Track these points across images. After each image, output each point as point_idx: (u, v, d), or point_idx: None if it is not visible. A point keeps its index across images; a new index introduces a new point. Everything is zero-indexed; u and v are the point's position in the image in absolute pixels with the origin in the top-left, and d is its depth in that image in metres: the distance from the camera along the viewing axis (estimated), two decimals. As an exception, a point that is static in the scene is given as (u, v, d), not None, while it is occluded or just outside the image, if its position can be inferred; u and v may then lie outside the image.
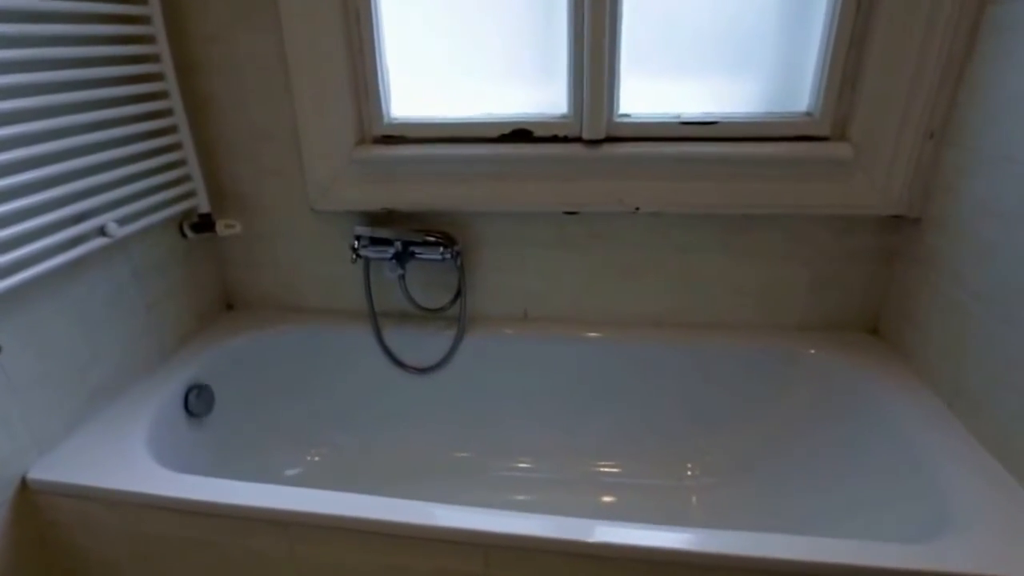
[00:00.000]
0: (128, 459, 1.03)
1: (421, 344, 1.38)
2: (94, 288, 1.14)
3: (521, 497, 1.36)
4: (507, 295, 1.38)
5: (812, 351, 1.27)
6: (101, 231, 1.09)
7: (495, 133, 1.28)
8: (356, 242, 1.32)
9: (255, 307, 1.51)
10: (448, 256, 1.28)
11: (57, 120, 1.02)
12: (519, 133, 1.27)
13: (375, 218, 1.35)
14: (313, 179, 1.33)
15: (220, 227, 1.32)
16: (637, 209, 1.24)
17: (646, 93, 1.24)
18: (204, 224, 1.33)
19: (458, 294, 1.35)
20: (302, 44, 1.24)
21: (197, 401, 1.25)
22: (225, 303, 1.53)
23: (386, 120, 1.32)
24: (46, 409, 1.06)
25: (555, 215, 1.29)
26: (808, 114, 1.20)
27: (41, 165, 0.99)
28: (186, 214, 1.32)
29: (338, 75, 1.26)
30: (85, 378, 1.13)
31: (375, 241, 1.31)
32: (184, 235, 1.34)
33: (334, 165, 1.32)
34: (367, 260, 1.34)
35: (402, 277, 1.32)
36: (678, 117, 1.23)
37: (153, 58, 1.21)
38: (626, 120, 1.24)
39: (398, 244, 1.29)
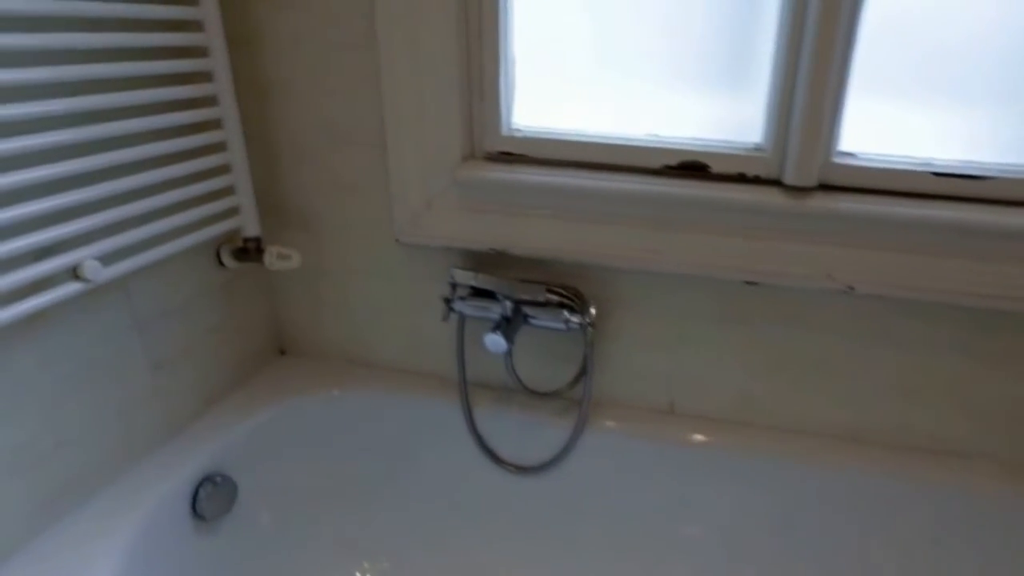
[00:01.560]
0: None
1: (526, 433, 1.04)
2: (71, 341, 0.81)
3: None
4: (649, 379, 1.03)
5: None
6: (73, 272, 0.75)
7: (656, 163, 0.93)
8: (452, 291, 0.98)
9: (313, 355, 1.18)
10: (575, 326, 0.94)
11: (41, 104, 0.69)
12: (690, 166, 0.92)
13: (480, 260, 1.00)
14: (401, 201, 0.98)
15: (270, 257, 0.98)
16: (851, 288, 0.89)
17: (879, 123, 0.88)
18: (250, 251, 0.99)
19: (582, 372, 1.01)
20: (399, 15, 0.89)
21: (210, 498, 0.92)
22: (277, 347, 1.20)
23: (505, 131, 0.97)
24: None
25: (730, 283, 0.94)
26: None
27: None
28: (227, 237, 0.98)
29: (445, 61, 0.91)
30: (53, 464, 0.80)
31: (477, 293, 0.97)
32: (221, 263, 1.00)
33: (431, 185, 0.97)
34: (463, 316, 1.00)
35: (509, 353, 0.97)
36: (928, 165, 0.87)
37: (194, 25, 0.87)
38: (849, 162, 0.88)
39: (507, 304, 0.94)
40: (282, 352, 1.19)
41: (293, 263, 0.99)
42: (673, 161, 0.92)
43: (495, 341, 0.90)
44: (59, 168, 0.72)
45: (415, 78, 0.92)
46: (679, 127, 0.93)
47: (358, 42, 0.92)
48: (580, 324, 0.94)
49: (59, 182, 0.72)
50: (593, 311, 0.96)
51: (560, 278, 0.99)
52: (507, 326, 0.93)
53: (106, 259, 0.78)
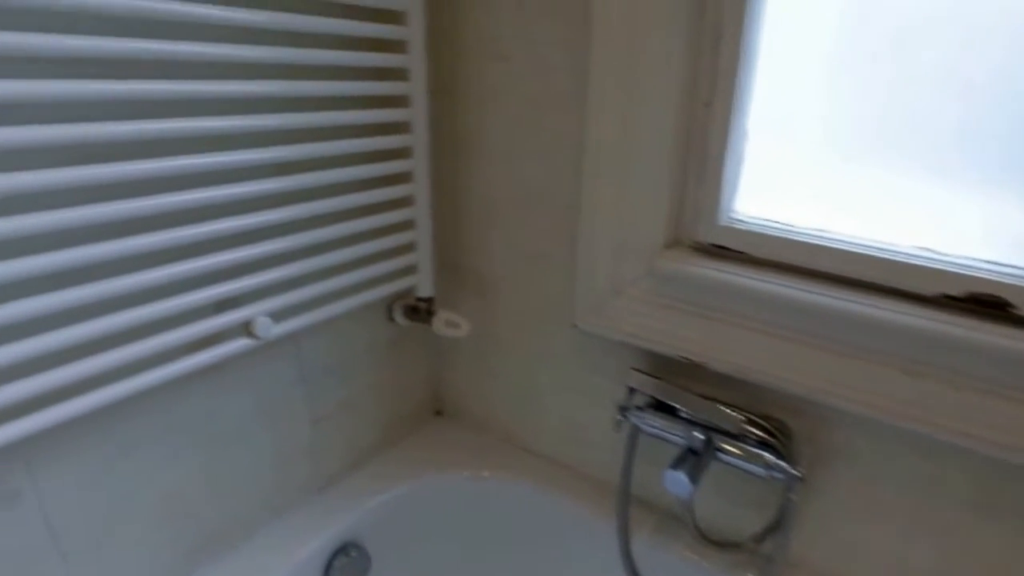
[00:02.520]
0: None
1: (691, 582, 0.86)
2: (239, 392, 0.80)
3: None
4: (867, 557, 0.78)
5: None
6: (245, 329, 0.73)
7: (930, 289, 0.69)
8: (628, 395, 0.83)
9: (468, 422, 1.10)
10: (779, 476, 0.74)
11: (218, 157, 0.67)
12: (983, 301, 0.67)
13: (668, 367, 0.83)
14: (586, 283, 0.85)
15: (439, 323, 0.92)
16: None
17: None
18: (421, 311, 0.93)
19: (775, 527, 0.80)
20: (616, 74, 0.75)
21: (343, 570, 0.87)
22: (435, 408, 1.14)
23: (723, 219, 0.80)
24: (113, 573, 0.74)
25: (999, 462, 0.68)
26: None
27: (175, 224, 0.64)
28: (400, 294, 0.93)
29: (662, 130, 0.77)
30: (201, 514, 0.80)
31: (659, 407, 0.82)
32: (391, 319, 0.96)
33: (623, 270, 0.83)
34: (637, 429, 0.85)
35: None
36: None
37: (399, 73, 0.82)
38: None
39: (697, 434, 0.77)
40: (438, 412, 1.13)
41: (461, 332, 0.91)
42: (956, 290, 0.68)
43: (678, 481, 0.73)
44: (248, 220, 0.70)
45: (624, 146, 0.78)
46: (963, 241, 0.69)
47: (564, 101, 0.81)
48: (785, 474, 0.74)
49: (244, 234, 0.70)
50: (802, 466, 0.76)
51: (764, 407, 0.79)
52: (693, 462, 0.75)
53: (280, 314, 0.76)
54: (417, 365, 1.06)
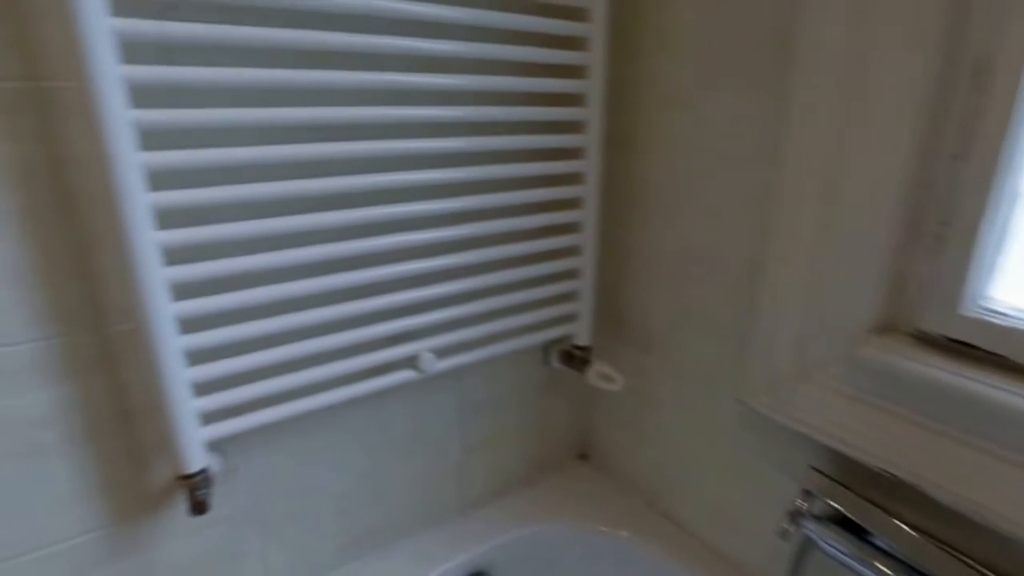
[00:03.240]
0: None
1: None
2: (404, 415, 0.87)
3: None
4: None
5: None
6: (412, 362, 0.78)
7: None
8: (802, 499, 0.74)
9: (612, 473, 1.08)
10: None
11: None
12: None
13: (861, 476, 0.72)
14: (761, 357, 0.78)
15: (593, 375, 0.91)
16: None
17: None
18: (576, 358, 0.94)
19: None
20: (821, 117, 0.67)
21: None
22: (579, 451, 1.14)
23: (969, 306, 0.65)
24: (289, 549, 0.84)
25: None
26: None
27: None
28: (558, 339, 0.95)
29: (879, 186, 0.65)
30: (364, 513, 0.88)
31: (844, 522, 0.71)
32: (547, 362, 0.98)
33: (810, 351, 0.74)
34: (811, 542, 0.75)
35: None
36: None
37: (575, 127, 0.83)
38: None
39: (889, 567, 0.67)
40: (582, 456, 1.13)
41: (615, 386, 0.90)
42: None
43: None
44: (427, 264, 0.75)
45: (829, 204, 0.68)
46: None
47: (752, 153, 0.76)
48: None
49: (420, 276, 0.76)
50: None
51: (988, 552, 0.63)
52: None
53: (445, 351, 0.80)
54: (568, 409, 1.06)
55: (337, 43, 0.61)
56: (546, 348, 0.97)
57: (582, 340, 0.92)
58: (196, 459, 0.65)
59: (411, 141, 0.69)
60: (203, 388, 0.64)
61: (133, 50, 0.52)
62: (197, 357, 0.63)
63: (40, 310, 0.59)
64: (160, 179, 0.56)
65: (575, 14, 0.77)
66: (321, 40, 0.60)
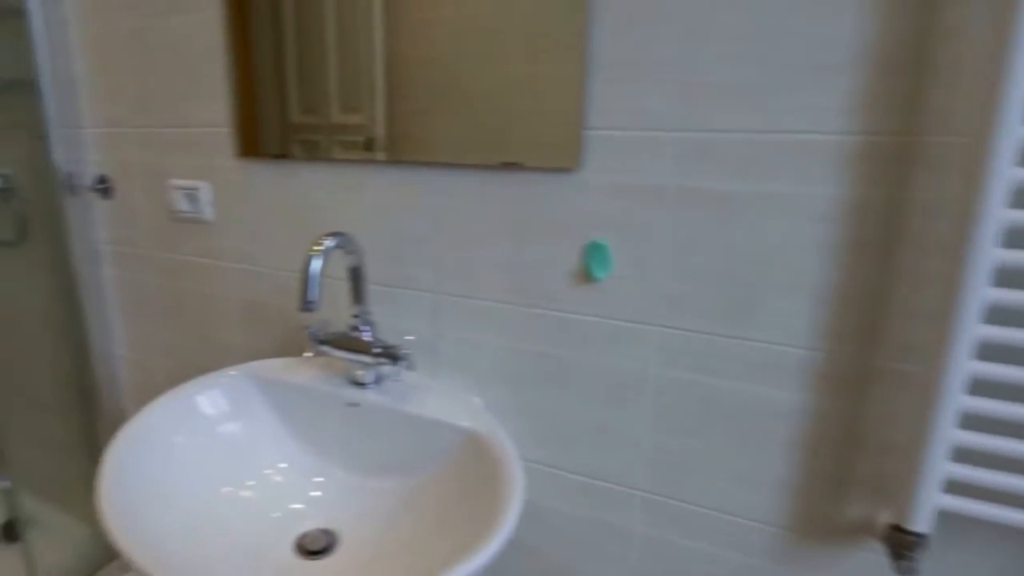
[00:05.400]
0: None
1: None
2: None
3: None
4: None
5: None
6: None
7: None
8: None
9: None
10: None
11: None
12: None
13: None
14: None
15: None
16: None
17: None
18: None
19: None
20: None
21: None
22: None
23: None
24: None
25: None
26: None
27: None
28: None
29: None
30: None
31: None
32: None
33: None
34: None
35: None
36: None
37: None
38: None
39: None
40: None
41: None
42: None
43: None
44: None
45: None
46: None
47: None
48: None
49: None
50: None
51: None
52: None
53: None
54: None
55: None
56: None
57: None
58: (922, 520, 0.63)
59: None
60: (962, 455, 0.61)
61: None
62: (971, 422, 0.60)
63: (821, 323, 0.67)
64: (1014, 237, 0.55)
65: None
66: None
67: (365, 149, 0.87)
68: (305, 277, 0.73)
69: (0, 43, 1.15)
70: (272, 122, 0.93)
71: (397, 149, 0.85)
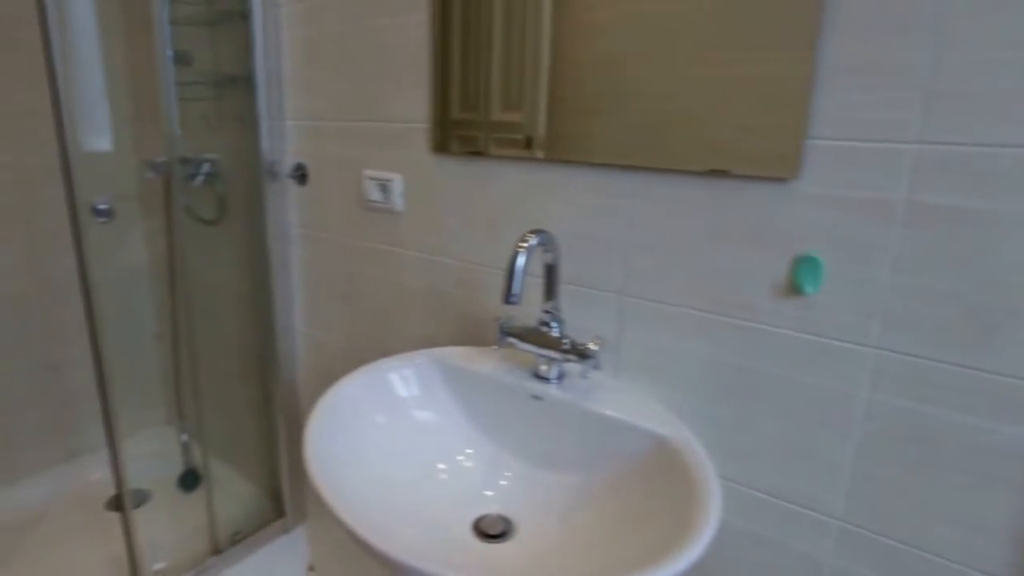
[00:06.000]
0: None
1: None
2: None
3: None
4: None
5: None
6: None
7: None
8: None
9: None
10: None
11: None
12: None
13: None
14: None
15: None
16: None
17: None
18: None
19: None
20: None
21: None
22: None
23: None
24: None
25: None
26: None
27: None
28: None
29: None
30: None
31: None
32: None
33: None
34: None
35: None
36: None
37: None
38: None
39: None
40: None
41: None
42: None
43: None
44: None
45: None
46: None
47: None
48: None
49: None
50: None
51: None
52: None
53: None
54: None
55: None
56: None
57: None
58: None
59: None
60: None
61: None
62: None
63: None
64: None
65: None
66: None
67: (526, 147, 0.89)
68: (511, 271, 0.75)
69: (227, 43, 1.28)
70: (465, 120, 0.97)
71: (565, 148, 0.86)
